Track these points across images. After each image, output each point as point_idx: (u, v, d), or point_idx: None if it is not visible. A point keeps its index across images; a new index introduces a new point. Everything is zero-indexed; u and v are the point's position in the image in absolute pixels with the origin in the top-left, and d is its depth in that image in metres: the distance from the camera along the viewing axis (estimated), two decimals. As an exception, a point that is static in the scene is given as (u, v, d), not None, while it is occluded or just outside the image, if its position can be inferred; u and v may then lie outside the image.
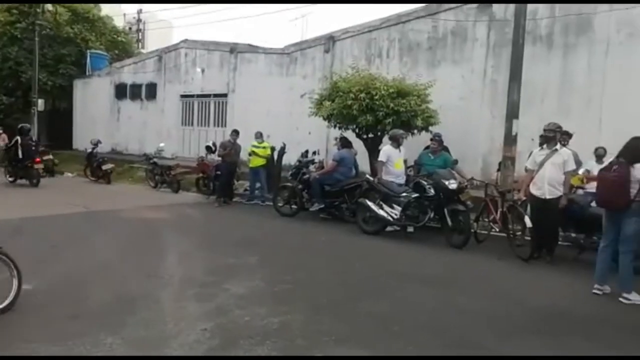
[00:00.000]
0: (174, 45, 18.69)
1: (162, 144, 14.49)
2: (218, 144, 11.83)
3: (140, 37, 32.57)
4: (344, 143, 9.53)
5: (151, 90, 18.78)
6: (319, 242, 7.76)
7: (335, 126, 10.89)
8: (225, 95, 16.49)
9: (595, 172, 7.40)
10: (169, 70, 18.23)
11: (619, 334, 4.43)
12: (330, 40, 13.89)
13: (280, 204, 9.92)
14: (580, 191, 7.35)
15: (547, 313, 4.84)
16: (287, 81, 14.90)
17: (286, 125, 14.38)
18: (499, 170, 9.18)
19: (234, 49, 16.17)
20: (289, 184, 10.01)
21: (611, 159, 5.60)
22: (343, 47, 13.73)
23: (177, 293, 5.08)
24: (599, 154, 8.04)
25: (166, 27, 33.30)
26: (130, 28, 31.56)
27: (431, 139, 8.84)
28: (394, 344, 4.01)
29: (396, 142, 8.43)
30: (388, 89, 9.70)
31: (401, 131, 8.76)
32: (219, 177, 11.18)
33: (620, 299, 5.18)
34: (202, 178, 12.15)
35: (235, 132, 11.29)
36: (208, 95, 17.10)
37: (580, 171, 7.49)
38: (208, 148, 12.23)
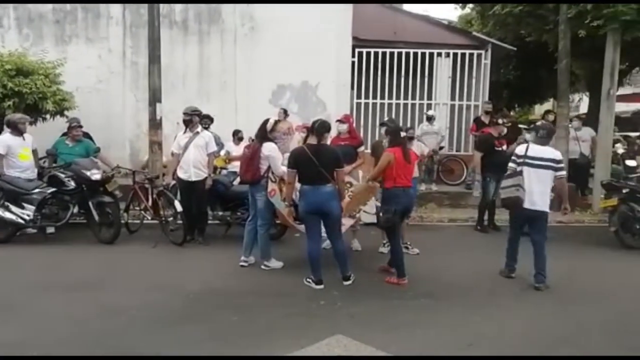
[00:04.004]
0: None
1: None
2: None
3: None
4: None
5: None
6: None
7: None
8: None
9: (234, 153, 8.11)
10: None
11: (260, 300, 4.80)
12: None
13: None
14: (224, 171, 7.83)
15: (201, 295, 4.91)
16: None
17: None
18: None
19: None
20: None
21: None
22: None
23: None
24: (239, 137, 8.78)
25: None
26: None
27: (72, 126, 7.69)
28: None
29: (16, 130, 6.99)
30: (3, 66, 8.01)
31: (19, 115, 7.23)
32: None
33: (262, 266, 5.74)
34: None
35: None
36: None
37: (222, 152, 7.99)
38: None
